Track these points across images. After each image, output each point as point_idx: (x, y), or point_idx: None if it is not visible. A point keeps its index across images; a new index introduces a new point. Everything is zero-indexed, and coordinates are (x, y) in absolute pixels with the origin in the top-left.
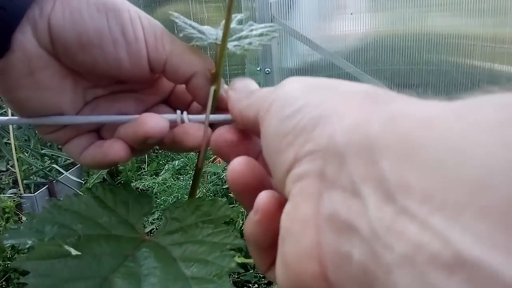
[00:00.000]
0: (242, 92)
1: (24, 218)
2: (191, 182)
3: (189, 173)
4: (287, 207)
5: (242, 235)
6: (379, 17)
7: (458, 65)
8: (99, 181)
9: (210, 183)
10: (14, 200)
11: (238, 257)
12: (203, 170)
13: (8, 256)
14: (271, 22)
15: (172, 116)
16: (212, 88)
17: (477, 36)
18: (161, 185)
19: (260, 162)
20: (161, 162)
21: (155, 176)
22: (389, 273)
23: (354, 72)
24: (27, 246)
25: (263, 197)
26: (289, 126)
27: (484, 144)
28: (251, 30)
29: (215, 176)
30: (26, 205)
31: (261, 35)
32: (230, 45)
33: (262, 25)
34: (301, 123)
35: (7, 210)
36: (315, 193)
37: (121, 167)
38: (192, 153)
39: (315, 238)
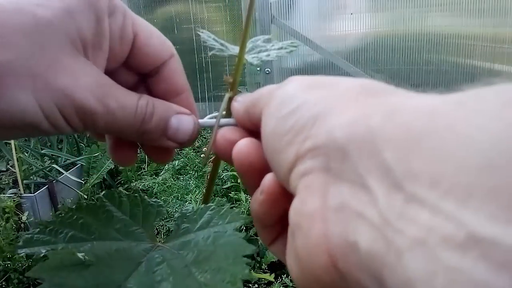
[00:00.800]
0: (246, 96)
1: (24, 218)
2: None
3: (189, 173)
4: (294, 203)
5: (252, 241)
6: (379, 17)
7: (458, 65)
8: (99, 181)
9: None
10: (14, 200)
11: None
12: (203, 170)
13: (8, 256)
14: (271, 22)
15: None
16: (228, 95)
17: (477, 36)
18: (161, 185)
19: None
20: (160, 157)
21: (155, 176)
22: (400, 257)
23: (354, 72)
24: (41, 254)
25: (269, 179)
26: (287, 125)
27: (488, 126)
28: (272, 45)
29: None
30: (26, 205)
31: (280, 48)
32: (250, 57)
33: (284, 42)
34: (300, 121)
35: (7, 210)
36: (322, 186)
37: (121, 167)
38: (192, 153)
39: (323, 230)
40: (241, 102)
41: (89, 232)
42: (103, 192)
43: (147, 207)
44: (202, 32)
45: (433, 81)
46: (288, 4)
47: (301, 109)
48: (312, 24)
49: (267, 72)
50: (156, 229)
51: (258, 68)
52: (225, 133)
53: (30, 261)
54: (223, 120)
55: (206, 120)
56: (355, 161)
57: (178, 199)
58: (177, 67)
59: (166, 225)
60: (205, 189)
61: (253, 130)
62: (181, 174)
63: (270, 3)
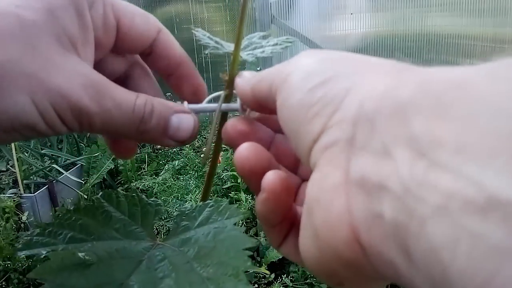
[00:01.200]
0: (251, 74)
1: (24, 218)
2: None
3: (189, 173)
4: (314, 177)
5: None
6: (379, 17)
7: (458, 65)
8: (99, 181)
9: None
10: (14, 200)
11: None
12: (203, 170)
13: (8, 256)
14: (271, 22)
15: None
16: (224, 92)
17: (477, 36)
18: (161, 185)
19: (272, 151)
20: (161, 162)
21: (155, 176)
22: (422, 225)
23: None
24: (42, 256)
25: (269, 177)
26: (316, 96)
27: None
28: (268, 42)
29: (215, 176)
30: (26, 205)
31: (275, 44)
32: (244, 54)
33: (280, 38)
34: (330, 93)
35: (7, 210)
36: (344, 160)
37: (121, 167)
38: (192, 153)
39: (345, 204)
40: (247, 78)
41: (88, 232)
42: (101, 192)
43: (146, 206)
44: (197, 31)
45: None
46: (288, 4)
47: (332, 81)
48: (312, 24)
49: (258, 69)
50: (156, 229)
51: (258, 68)
52: (235, 124)
53: (30, 261)
54: (225, 105)
55: (205, 105)
56: (382, 131)
57: (178, 199)
58: (168, 39)
59: (166, 225)
60: (217, 186)
61: (255, 107)
62: (181, 174)
63: (270, 3)
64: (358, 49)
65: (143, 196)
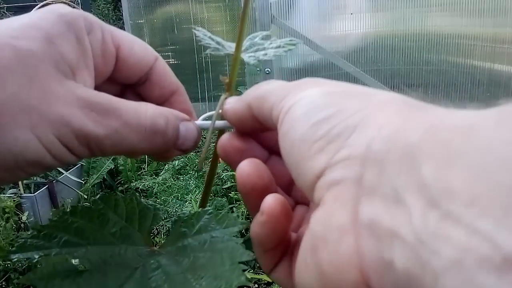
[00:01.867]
0: (245, 93)
1: (24, 218)
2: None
3: (189, 173)
4: (319, 214)
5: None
6: (379, 17)
7: (458, 65)
8: (99, 181)
9: None
10: (14, 200)
11: None
12: (203, 170)
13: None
14: (271, 22)
15: None
16: (224, 96)
17: (477, 36)
18: (161, 185)
19: (268, 166)
20: (161, 162)
21: (155, 176)
22: (436, 278)
23: (354, 72)
24: (35, 260)
25: (269, 200)
26: (320, 132)
27: None
28: (270, 43)
29: (216, 176)
30: (26, 205)
31: (278, 47)
32: (246, 56)
33: (283, 39)
34: (335, 130)
35: (7, 210)
36: (352, 199)
37: (121, 167)
38: (192, 153)
39: (355, 246)
40: (238, 101)
41: (83, 236)
42: (99, 194)
43: (144, 210)
44: (197, 30)
45: (433, 81)
46: (288, 4)
47: (337, 117)
48: (312, 24)
49: (267, 72)
50: (156, 229)
51: (258, 69)
52: (231, 139)
53: (30, 261)
54: (219, 123)
55: (201, 122)
56: (392, 175)
57: (178, 199)
58: (164, 67)
59: (166, 225)
60: (217, 186)
61: (254, 127)
62: (181, 174)
63: (270, 3)
64: (358, 49)
65: (142, 200)
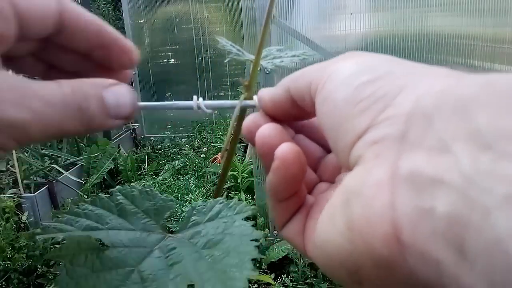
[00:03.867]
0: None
1: (24, 218)
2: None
3: (189, 173)
4: (356, 170)
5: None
6: (379, 17)
7: (458, 65)
8: (99, 181)
9: (210, 183)
10: (14, 200)
11: None
12: (203, 170)
13: (8, 256)
14: (271, 22)
15: (188, 102)
16: (243, 96)
17: (477, 36)
18: (161, 185)
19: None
20: (161, 162)
21: (155, 176)
22: (487, 216)
23: None
24: (59, 239)
25: (283, 147)
26: (365, 92)
27: None
28: (286, 53)
29: (215, 176)
30: (26, 205)
31: (293, 56)
32: (264, 62)
33: (297, 51)
34: (381, 90)
35: (7, 210)
36: (392, 156)
37: (121, 167)
38: (192, 153)
39: (389, 201)
40: (275, 87)
41: (104, 222)
42: (118, 186)
43: (159, 201)
44: (220, 38)
45: None
46: (288, 4)
47: (385, 78)
48: (312, 24)
49: (267, 72)
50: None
51: (258, 68)
52: (257, 120)
53: (30, 261)
54: (245, 102)
55: (222, 101)
56: (440, 127)
57: (178, 199)
58: (74, 7)
59: (166, 225)
60: (216, 185)
61: (288, 113)
62: (181, 174)
63: None
64: (358, 49)
65: (157, 192)
